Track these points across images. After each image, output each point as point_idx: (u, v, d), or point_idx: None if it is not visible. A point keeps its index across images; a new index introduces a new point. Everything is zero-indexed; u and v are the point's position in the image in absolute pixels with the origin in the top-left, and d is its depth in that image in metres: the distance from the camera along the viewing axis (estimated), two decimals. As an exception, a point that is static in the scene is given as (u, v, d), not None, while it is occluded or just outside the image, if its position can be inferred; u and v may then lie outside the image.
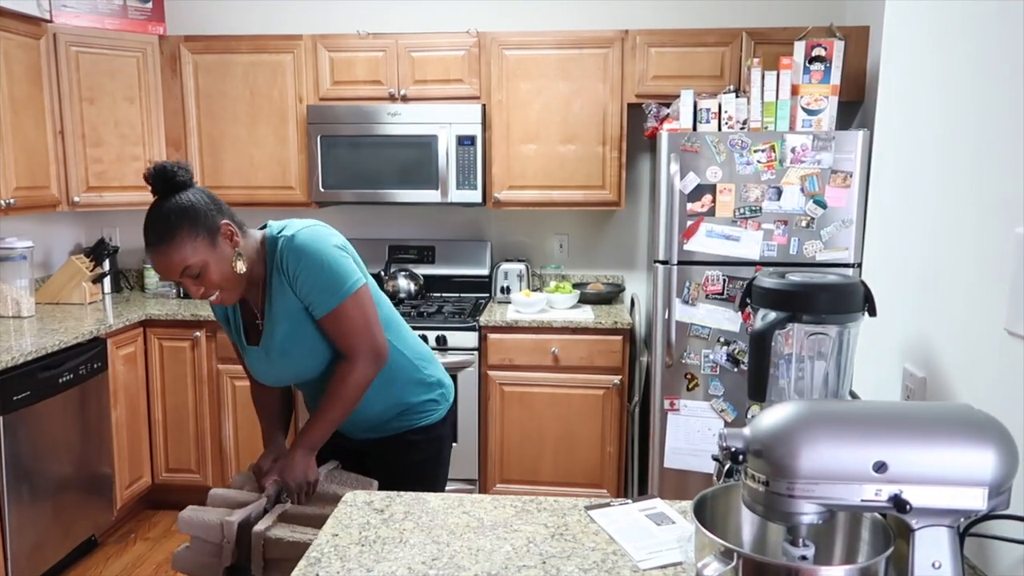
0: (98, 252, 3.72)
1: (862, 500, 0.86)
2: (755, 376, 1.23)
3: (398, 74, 3.50)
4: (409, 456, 1.96)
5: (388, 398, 1.92)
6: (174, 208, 1.64)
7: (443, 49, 3.47)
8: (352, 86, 3.53)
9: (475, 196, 3.47)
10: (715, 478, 1.23)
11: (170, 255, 1.64)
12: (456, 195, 3.47)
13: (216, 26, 3.80)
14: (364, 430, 1.95)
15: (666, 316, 3.07)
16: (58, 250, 3.89)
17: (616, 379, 3.31)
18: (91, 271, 3.64)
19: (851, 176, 2.91)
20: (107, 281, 3.84)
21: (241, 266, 1.72)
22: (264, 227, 1.83)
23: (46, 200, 3.33)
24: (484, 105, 3.47)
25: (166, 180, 1.65)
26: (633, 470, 3.53)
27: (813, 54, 2.97)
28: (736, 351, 3.04)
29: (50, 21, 3.30)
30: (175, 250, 1.64)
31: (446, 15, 3.75)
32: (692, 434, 3.11)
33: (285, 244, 1.74)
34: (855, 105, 3.39)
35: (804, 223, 2.95)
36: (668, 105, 3.23)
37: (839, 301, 1.21)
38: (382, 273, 3.76)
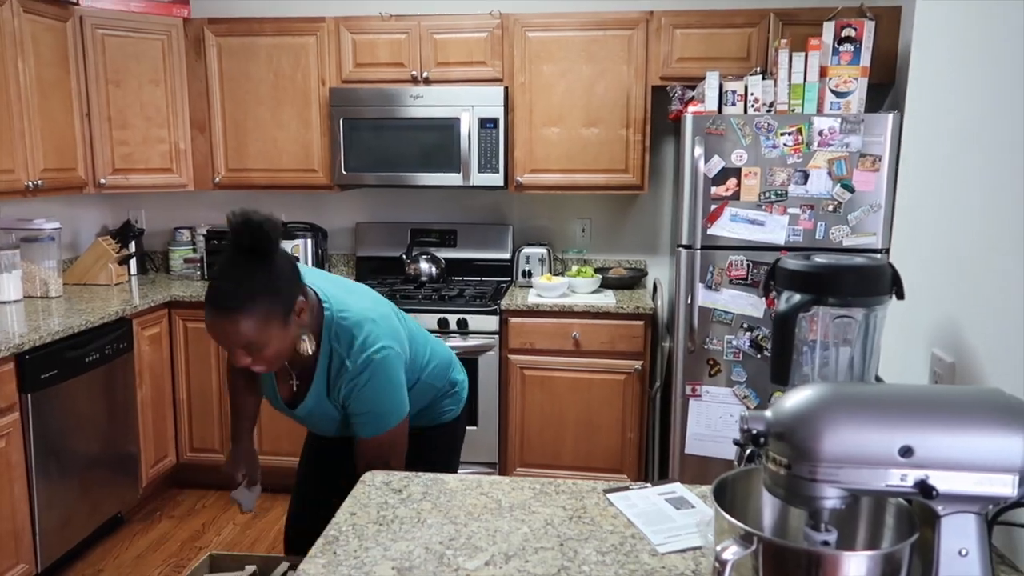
0: (124, 234, 3.76)
1: (887, 485, 0.84)
2: (778, 360, 1.20)
3: (420, 56, 3.48)
4: (426, 449, 1.96)
5: (410, 413, 1.93)
6: (259, 277, 1.48)
7: (466, 31, 3.44)
8: (375, 68, 3.52)
9: (497, 179, 3.45)
10: (736, 462, 1.22)
11: (238, 328, 1.48)
12: (478, 178, 3.46)
13: (240, 9, 3.81)
14: None
15: (688, 301, 3.04)
16: (85, 232, 3.94)
17: (638, 364, 3.29)
18: (117, 252, 3.68)
19: (880, 160, 2.85)
20: (133, 263, 3.88)
21: (308, 348, 1.61)
22: (316, 291, 1.70)
23: (73, 182, 3.37)
24: (507, 88, 3.44)
25: (255, 237, 1.46)
26: (654, 456, 3.51)
27: (843, 35, 2.91)
28: (759, 337, 3.00)
29: (76, 4, 3.32)
30: (245, 324, 1.48)
31: (469, -3, 3.72)
32: (714, 420, 3.09)
33: (357, 354, 1.63)
34: (885, 87, 3.32)
35: (831, 207, 2.90)
36: (693, 87, 3.18)
37: (866, 283, 1.18)
38: (404, 256, 3.77)
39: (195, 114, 3.65)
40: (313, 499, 2.03)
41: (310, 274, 1.77)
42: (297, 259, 1.65)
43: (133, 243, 3.82)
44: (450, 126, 3.43)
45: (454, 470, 2.08)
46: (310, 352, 1.63)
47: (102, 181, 3.48)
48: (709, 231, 2.99)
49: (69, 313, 3.02)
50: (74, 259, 3.76)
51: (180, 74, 3.61)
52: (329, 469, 2.02)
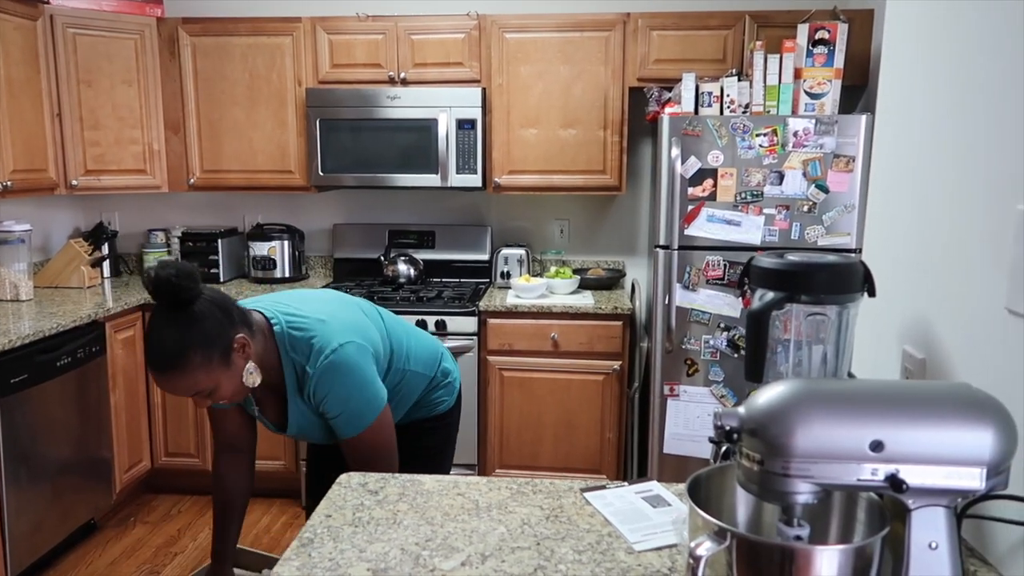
0: (97, 236, 3.71)
1: (858, 480, 0.85)
2: (752, 357, 1.21)
3: (398, 57, 3.47)
4: (422, 441, 1.98)
5: (405, 407, 1.95)
6: (184, 331, 1.49)
7: (443, 32, 3.44)
8: (351, 69, 3.50)
9: (475, 180, 3.45)
10: (712, 460, 1.22)
11: (179, 382, 1.52)
12: (456, 179, 3.45)
13: (214, 8, 3.77)
14: None
15: (666, 301, 3.05)
16: (57, 234, 3.88)
17: (616, 364, 3.30)
18: (90, 255, 3.63)
19: (854, 161, 2.88)
20: (106, 265, 3.83)
21: (255, 379, 1.62)
22: (259, 310, 1.71)
23: (44, 183, 3.31)
24: (484, 89, 3.44)
25: (170, 293, 1.49)
26: (633, 456, 3.52)
27: (816, 37, 2.94)
28: (736, 337, 3.02)
29: (47, 2, 3.27)
30: (186, 378, 1.51)
31: (446, -2, 3.72)
32: (692, 420, 3.10)
33: (315, 358, 1.64)
34: (859, 89, 3.36)
35: (806, 208, 2.93)
36: (670, 89, 3.20)
37: (838, 281, 1.19)
38: (382, 258, 3.75)
39: (169, 114, 3.61)
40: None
41: (264, 299, 1.78)
42: (224, 296, 1.61)
43: (106, 245, 3.77)
44: (428, 127, 3.42)
45: (450, 460, 2.09)
46: (256, 383, 1.63)
47: (74, 182, 3.43)
48: (686, 231, 3.00)
49: (40, 316, 2.97)
50: (45, 262, 3.70)
51: (154, 74, 3.57)
52: (333, 472, 1.99)
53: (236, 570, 2.09)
